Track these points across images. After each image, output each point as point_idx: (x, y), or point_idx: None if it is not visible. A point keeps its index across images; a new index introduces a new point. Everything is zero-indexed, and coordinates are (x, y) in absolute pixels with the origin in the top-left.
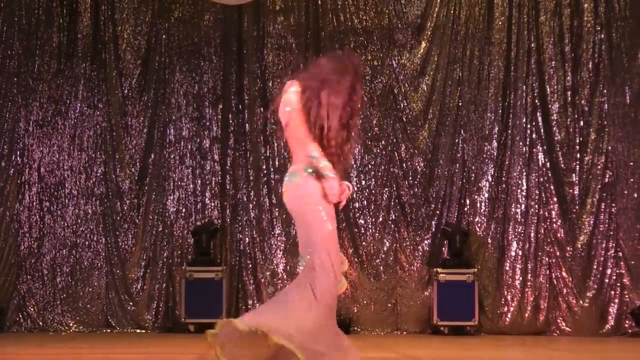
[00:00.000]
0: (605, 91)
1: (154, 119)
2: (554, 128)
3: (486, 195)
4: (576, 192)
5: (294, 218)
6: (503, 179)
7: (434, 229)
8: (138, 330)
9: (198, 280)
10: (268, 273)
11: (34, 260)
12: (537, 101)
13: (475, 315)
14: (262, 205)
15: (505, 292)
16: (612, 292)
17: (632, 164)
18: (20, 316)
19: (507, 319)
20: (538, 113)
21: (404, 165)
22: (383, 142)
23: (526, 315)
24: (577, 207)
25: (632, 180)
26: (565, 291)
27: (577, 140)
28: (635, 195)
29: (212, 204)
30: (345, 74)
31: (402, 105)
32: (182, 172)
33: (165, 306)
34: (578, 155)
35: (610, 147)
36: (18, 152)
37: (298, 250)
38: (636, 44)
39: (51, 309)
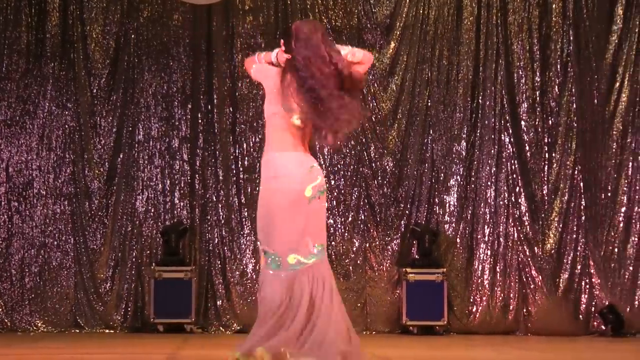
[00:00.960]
0: (573, 91)
1: (122, 118)
2: (523, 128)
3: (455, 195)
4: (545, 192)
5: (302, 205)
6: (472, 179)
7: (403, 229)
8: (107, 331)
9: (167, 280)
10: (237, 273)
11: (2, 261)
12: (505, 101)
13: (445, 315)
14: (231, 205)
15: (474, 291)
16: (581, 292)
17: (600, 163)
18: None
19: (476, 318)
20: (506, 113)
21: (373, 165)
22: (352, 142)
23: (495, 315)
24: (546, 206)
25: (600, 180)
26: (534, 291)
27: (546, 140)
28: (604, 195)
29: (181, 204)
30: None
31: (371, 105)
32: (151, 171)
33: (134, 306)
34: (547, 155)
35: (578, 148)
36: None
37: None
38: (604, 45)
39: (19, 309)
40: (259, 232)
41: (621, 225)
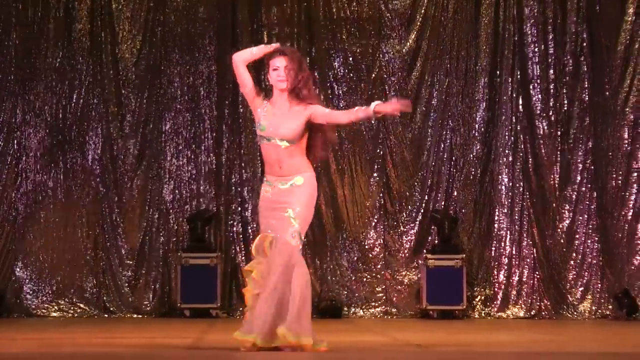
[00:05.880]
0: (586, 84)
1: (150, 108)
2: (537, 118)
3: (473, 182)
4: (557, 180)
5: None
6: (489, 167)
7: (422, 216)
8: (135, 315)
9: (193, 266)
10: None
11: (31, 247)
12: (521, 93)
13: (463, 300)
14: (256, 192)
15: (492, 277)
16: (594, 277)
17: (610, 154)
18: (18, 302)
19: (494, 303)
20: (521, 104)
21: (394, 153)
22: (373, 131)
23: (511, 299)
24: (558, 194)
25: (610, 169)
26: (548, 276)
27: (559, 132)
28: (614, 183)
29: (207, 192)
30: None
31: (391, 94)
32: (177, 160)
33: (161, 291)
34: (560, 146)
35: (589, 138)
36: (15, 141)
37: None
38: (616, 38)
39: (49, 295)
40: (306, 218)
41: (630, 213)
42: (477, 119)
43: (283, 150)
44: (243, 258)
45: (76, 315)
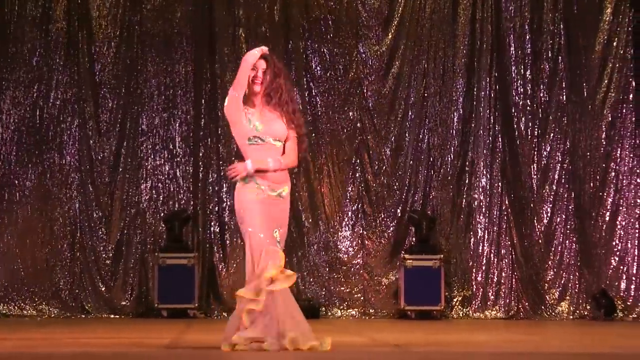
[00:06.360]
0: (563, 84)
1: (126, 108)
2: (514, 119)
3: (451, 183)
4: (535, 181)
5: None
6: (467, 168)
7: (400, 216)
8: (112, 316)
9: (171, 267)
10: (238, 260)
11: (8, 247)
12: (498, 93)
13: (441, 300)
14: (233, 192)
15: (470, 277)
16: (572, 278)
17: (588, 154)
18: None
19: (472, 303)
20: (499, 105)
21: (371, 153)
22: (350, 132)
23: (489, 299)
24: (536, 195)
25: (588, 169)
26: (526, 277)
27: (537, 132)
28: (592, 184)
29: (184, 192)
30: None
31: (369, 95)
32: (154, 160)
33: (138, 292)
34: (537, 146)
35: (567, 139)
36: None
37: None
38: (594, 38)
39: (26, 295)
40: (286, 236)
41: (608, 214)
42: (455, 119)
43: (277, 151)
44: (221, 258)
45: (53, 315)
